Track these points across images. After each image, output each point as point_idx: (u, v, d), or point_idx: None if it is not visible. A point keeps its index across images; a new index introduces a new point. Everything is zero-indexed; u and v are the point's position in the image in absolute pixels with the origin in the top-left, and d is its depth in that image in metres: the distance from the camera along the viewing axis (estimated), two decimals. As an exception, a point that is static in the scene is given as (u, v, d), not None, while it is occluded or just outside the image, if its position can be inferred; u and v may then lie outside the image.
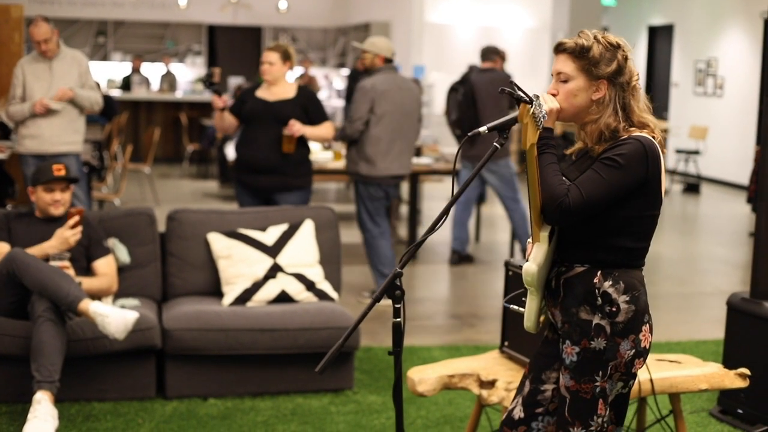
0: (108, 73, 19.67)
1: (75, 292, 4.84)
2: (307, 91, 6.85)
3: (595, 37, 3.06)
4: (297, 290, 5.52)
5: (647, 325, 3.08)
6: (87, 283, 5.21)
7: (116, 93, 17.57)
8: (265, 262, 5.56)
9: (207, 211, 5.89)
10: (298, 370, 5.32)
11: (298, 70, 19.26)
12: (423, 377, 4.14)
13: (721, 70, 15.90)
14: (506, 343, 4.40)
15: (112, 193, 10.12)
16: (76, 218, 5.18)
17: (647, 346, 3.10)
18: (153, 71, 19.54)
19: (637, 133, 3.03)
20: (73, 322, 5.00)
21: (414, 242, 9.14)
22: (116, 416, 4.94)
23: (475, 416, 4.30)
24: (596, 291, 3.03)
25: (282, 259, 5.58)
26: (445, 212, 2.99)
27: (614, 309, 3.01)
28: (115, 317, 4.77)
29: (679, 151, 15.99)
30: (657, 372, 4.24)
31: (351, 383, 5.42)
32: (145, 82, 18.09)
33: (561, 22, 16.33)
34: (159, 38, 21.34)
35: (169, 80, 18.33)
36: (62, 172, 5.29)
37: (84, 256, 5.36)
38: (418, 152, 9.47)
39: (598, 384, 3.06)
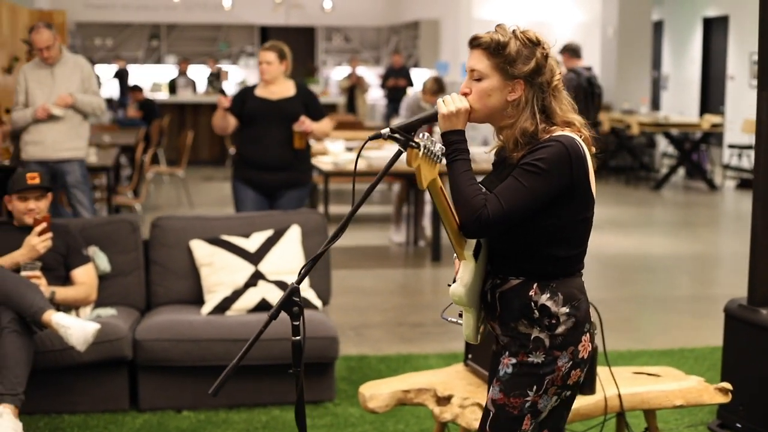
0: (154, 76, 19.78)
1: (39, 303, 4.73)
2: (305, 88, 7.01)
3: (514, 33, 2.81)
4: (278, 298, 5.33)
5: (587, 334, 2.87)
6: (62, 292, 5.11)
7: (163, 96, 17.62)
8: (247, 269, 5.41)
9: (191, 218, 5.77)
10: (276, 381, 5.15)
11: (346, 70, 19.13)
12: (375, 393, 3.95)
13: (777, 62, 15.38)
14: (470, 356, 4.18)
15: (135, 198, 10.06)
16: (43, 225, 5.08)
17: (585, 356, 2.88)
18: (204, 74, 19.60)
19: (558, 132, 2.77)
20: (43, 333, 4.89)
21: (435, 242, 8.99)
22: (84, 429, 4.82)
23: (438, 434, 4.08)
24: (533, 305, 2.81)
25: (264, 266, 5.42)
26: (347, 221, 2.81)
27: (554, 321, 2.80)
28: (76, 328, 4.65)
29: (732, 146, 15.52)
30: (629, 387, 4.00)
31: (332, 395, 5.23)
32: (191, 84, 18.12)
33: (611, 16, 16.00)
34: (212, 40, 21.40)
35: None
36: (36, 181, 5.19)
37: (62, 265, 5.25)
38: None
39: (529, 399, 2.83)
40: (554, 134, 2.77)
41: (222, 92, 6.92)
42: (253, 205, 6.71)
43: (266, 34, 21.90)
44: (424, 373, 4.17)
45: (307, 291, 5.45)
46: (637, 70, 16.33)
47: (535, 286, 2.81)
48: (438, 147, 2.73)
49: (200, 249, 5.51)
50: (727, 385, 4.10)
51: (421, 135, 2.72)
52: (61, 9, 14.92)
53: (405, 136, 2.73)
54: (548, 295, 2.80)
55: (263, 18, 21.20)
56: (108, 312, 5.26)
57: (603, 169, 14.72)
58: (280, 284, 5.37)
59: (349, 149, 9.85)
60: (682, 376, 4.21)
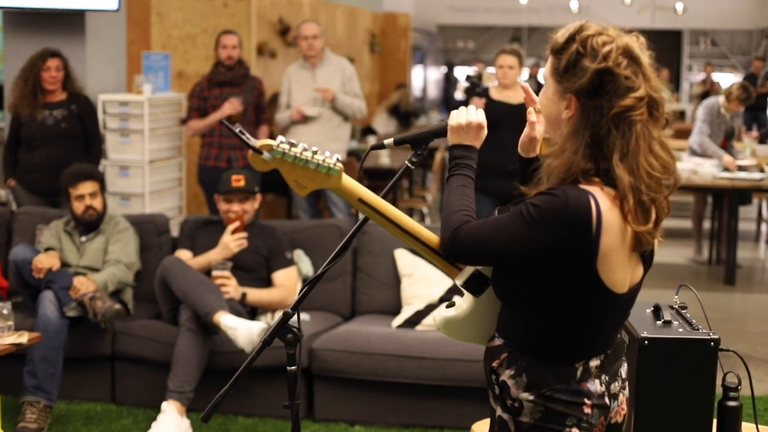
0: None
1: (212, 303, 4.78)
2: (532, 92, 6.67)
3: (578, 33, 2.26)
4: (470, 316, 5.06)
5: (577, 427, 2.24)
6: (254, 294, 5.14)
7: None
8: (445, 283, 5.17)
9: (399, 226, 5.60)
10: (454, 403, 4.87)
11: (700, 76, 18.09)
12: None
13: None
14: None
15: (424, 201, 10.01)
16: (236, 224, 5.16)
17: None
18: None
19: (587, 186, 2.17)
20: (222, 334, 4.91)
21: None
22: (251, 432, 4.82)
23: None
24: (494, 377, 2.31)
25: (463, 281, 5.16)
26: (344, 248, 2.60)
27: (516, 405, 2.27)
28: (242, 329, 4.65)
29: None
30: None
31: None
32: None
33: None
34: (572, 43, 21.07)
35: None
36: (240, 183, 5.26)
37: (264, 267, 5.29)
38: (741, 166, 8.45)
39: None
40: (578, 186, 2.18)
41: (479, 95, 6.72)
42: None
43: (630, 37, 21.26)
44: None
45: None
46: None
47: (504, 355, 2.29)
48: (327, 155, 2.38)
49: (403, 259, 5.34)
50: None
51: (278, 138, 2.35)
52: (405, 12, 15.26)
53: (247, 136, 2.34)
54: (512, 372, 2.27)
55: (627, 21, 20.51)
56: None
57: None
58: (475, 301, 5.09)
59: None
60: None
